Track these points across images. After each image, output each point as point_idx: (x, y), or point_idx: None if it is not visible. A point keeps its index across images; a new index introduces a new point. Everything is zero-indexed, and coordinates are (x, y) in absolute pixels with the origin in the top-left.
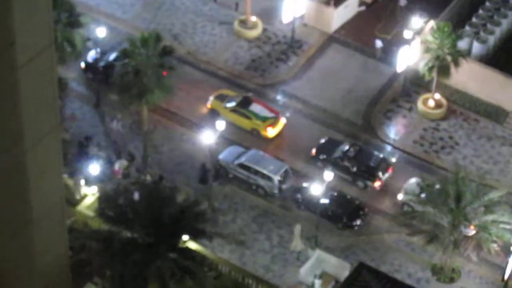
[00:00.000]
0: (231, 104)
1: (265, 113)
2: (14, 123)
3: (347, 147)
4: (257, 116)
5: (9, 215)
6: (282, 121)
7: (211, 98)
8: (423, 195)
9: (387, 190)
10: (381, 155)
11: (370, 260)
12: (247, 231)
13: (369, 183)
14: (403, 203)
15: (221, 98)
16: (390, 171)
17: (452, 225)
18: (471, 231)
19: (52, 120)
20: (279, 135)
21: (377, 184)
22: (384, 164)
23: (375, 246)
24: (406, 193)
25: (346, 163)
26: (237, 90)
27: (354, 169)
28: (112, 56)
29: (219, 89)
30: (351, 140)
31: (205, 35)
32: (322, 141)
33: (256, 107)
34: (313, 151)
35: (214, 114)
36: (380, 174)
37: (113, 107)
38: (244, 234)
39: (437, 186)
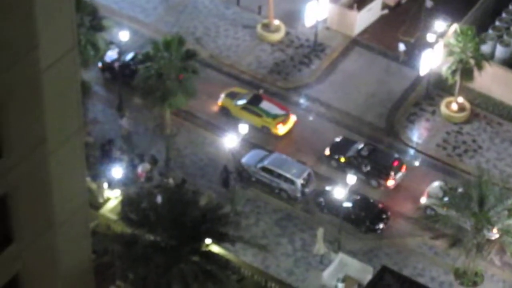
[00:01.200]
0: (242, 102)
1: (276, 110)
2: (37, 126)
3: (360, 146)
4: (267, 113)
5: (32, 218)
6: (293, 118)
7: (222, 95)
8: (446, 199)
9: (410, 193)
10: (395, 154)
11: (393, 263)
12: (269, 234)
13: (382, 181)
14: (426, 207)
15: (232, 96)
16: (403, 170)
17: (475, 229)
18: (494, 235)
19: (75, 123)
20: (292, 133)
21: (390, 183)
22: (397, 163)
23: (398, 250)
24: (429, 197)
25: (360, 162)
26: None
27: (368, 168)
28: (129, 56)
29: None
30: (366, 140)
31: (228, 39)
32: (336, 140)
33: (266, 105)
34: (327, 150)
35: (224, 111)
36: (393, 173)
37: (136, 110)
38: (267, 237)
39: (460, 190)
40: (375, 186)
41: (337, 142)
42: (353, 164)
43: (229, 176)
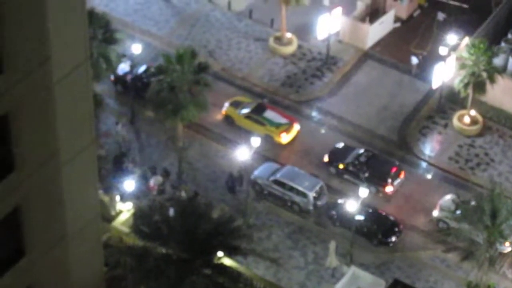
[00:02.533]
0: (246, 111)
1: (279, 119)
2: (49, 138)
3: (359, 153)
4: (271, 122)
5: (44, 230)
6: (296, 127)
7: (226, 104)
8: (458, 212)
9: (422, 206)
10: (394, 161)
11: (405, 277)
12: (282, 247)
13: (380, 188)
14: (438, 220)
15: (236, 105)
16: (402, 176)
17: (487, 242)
18: (507, 248)
19: (87, 135)
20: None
21: (388, 189)
22: (396, 170)
23: (410, 263)
24: (441, 210)
25: (358, 169)
26: (272, 107)
27: (366, 174)
28: (141, 69)
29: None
30: (364, 146)
31: (240, 52)
32: (335, 147)
33: (270, 114)
34: (326, 157)
35: (229, 120)
36: (391, 179)
37: (149, 123)
38: (279, 250)
39: (472, 203)
40: (374, 192)
41: (335, 149)
42: (351, 170)
43: (235, 182)
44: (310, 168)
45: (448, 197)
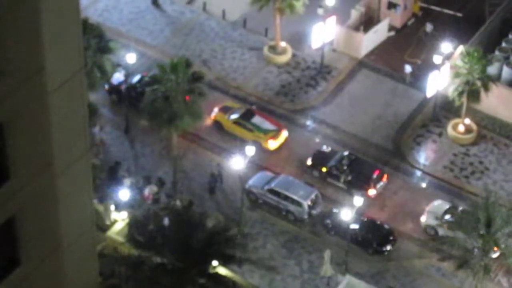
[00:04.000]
0: (234, 116)
1: (267, 125)
2: (44, 148)
3: (342, 156)
4: (258, 128)
5: (39, 239)
6: (284, 134)
7: (215, 110)
8: (446, 217)
9: (416, 215)
10: (376, 164)
11: (400, 285)
12: (277, 256)
13: (363, 191)
14: (426, 226)
15: (225, 110)
16: (384, 180)
17: (482, 251)
18: (496, 253)
19: (82, 145)
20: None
21: (371, 192)
22: (378, 173)
23: (405, 272)
24: (429, 216)
25: (341, 172)
26: (269, 115)
27: (349, 177)
28: (136, 79)
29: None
30: (347, 150)
31: (234, 61)
32: (318, 150)
33: (258, 120)
34: (309, 160)
35: (217, 125)
36: (373, 182)
37: (143, 133)
38: (274, 259)
39: (460, 209)
40: (356, 196)
41: (319, 152)
42: (334, 174)
43: (216, 182)
44: (305, 177)
45: (436, 203)
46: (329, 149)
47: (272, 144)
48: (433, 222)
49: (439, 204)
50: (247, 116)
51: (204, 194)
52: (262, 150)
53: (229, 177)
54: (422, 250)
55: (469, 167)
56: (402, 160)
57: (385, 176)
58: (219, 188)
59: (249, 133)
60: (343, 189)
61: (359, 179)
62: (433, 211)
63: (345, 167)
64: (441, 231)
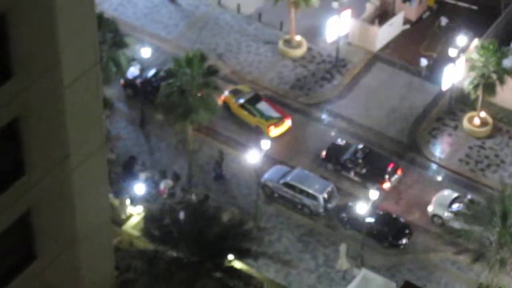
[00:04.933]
0: (241, 100)
1: (271, 112)
2: (60, 142)
3: (356, 149)
4: (262, 114)
5: (55, 233)
6: (287, 123)
7: (226, 92)
8: (454, 207)
9: (427, 206)
10: (391, 157)
11: (416, 279)
12: (292, 250)
13: (377, 184)
14: (433, 215)
15: (235, 93)
16: (399, 173)
17: (498, 244)
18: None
19: (97, 139)
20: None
21: (386, 185)
22: (393, 166)
23: (421, 265)
24: (436, 205)
25: (355, 165)
26: (282, 110)
27: (363, 170)
28: (151, 73)
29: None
30: (362, 143)
31: (249, 55)
32: (332, 143)
33: (263, 106)
34: (323, 153)
35: (226, 107)
36: (388, 175)
37: (159, 127)
38: (290, 253)
39: (469, 198)
40: (370, 189)
41: (333, 145)
42: (348, 167)
43: (222, 170)
44: (320, 171)
45: (443, 192)
46: (344, 142)
47: (273, 132)
48: (440, 212)
49: (447, 194)
50: (253, 100)
51: (219, 187)
52: (274, 141)
53: (245, 171)
54: (437, 243)
55: (485, 160)
56: (417, 153)
57: (400, 169)
58: (220, 175)
59: (253, 118)
60: (357, 182)
61: (374, 172)
62: (440, 201)
63: (359, 160)
64: (448, 220)
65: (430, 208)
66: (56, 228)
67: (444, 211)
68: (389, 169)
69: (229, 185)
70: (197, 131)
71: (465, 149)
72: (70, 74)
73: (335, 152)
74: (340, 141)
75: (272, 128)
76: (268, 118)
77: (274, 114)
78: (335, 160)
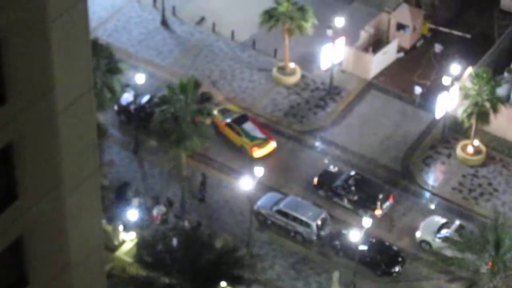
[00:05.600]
0: (228, 119)
1: (256, 133)
2: (53, 167)
3: (348, 176)
4: (247, 134)
5: (47, 260)
6: (272, 144)
7: (215, 111)
8: (441, 234)
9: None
10: (382, 184)
11: None
12: (285, 277)
13: (369, 211)
14: (422, 241)
15: (223, 112)
16: (390, 200)
17: (491, 272)
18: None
19: (91, 165)
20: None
21: (377, 212)
22: (384, 193)
23: None
24: (423, 231)
25: (347, 192)
26: (275, 137)
27: (355, 197)
28: (145, 99)
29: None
30: (354, 170)
31: (243, 82)
32: (324, 170)
33: (248, 126)
34: (315, 180)
35: (213, 126)
36: (380, 202)
37: (152, 153)
38: (283, 280)
39: (458, 224)
40: (362, 216)
41: (325, 172)
42: (340, 193)
43: (205, 193)
44: (313, 198)
45: (430, 218)
46: (336, 169)
47: (257, 152)
48: (428, 237)
49: (434, 220)
50: (239, 120)
51: (213, 214)
52: (267, 168)
53: (238, 198)
54: (430, 271)
55: (478, 188)
56: (411, 181)
57: (392, 196)
58: (203, 197)
59: (238, 138)
60: (349, 209)
61: (366, 199)
62: (428, 227)
63: (351, 187)
64: (437, 246)
65: (418, 234)
66: (49, 253)
67: (432, 237)
68: (381, 196)
69: (222, 211)
70: (191, 158)
71: (458, 177)
72: (64, 100)
73: (327, 178)
74: (332, 168)
75: (255, 149)
76: (252, 139)
77: (259, 135)
78: (327, 187)
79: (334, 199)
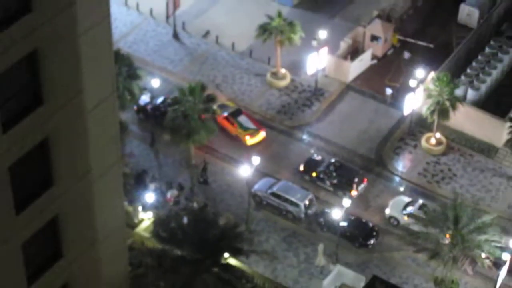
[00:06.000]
0: (225, 113)
1: (249, 124)
2: (84, 158)
3: (329, 163)
4: (240, 125)
5: (78, 236)
6: (262, 134)
7: (214, 106)
8: (406, 211)
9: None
10: (358, 170)
11: (382, 273)
12: (278, 249)
13: (347, 192)
14: (390, 217)
15: (221, 107)
16: (365, 182)
17: (451, 244)
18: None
19: (114, 156)
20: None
21: (353, 193)
22: (359, 177)
23: (386, 262)
24: (391, 209)
25: (328, 176)
26: (269, 131)
27: (335, 181)
28: (159, 100)
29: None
30: (334, 158)
31: (242, 85)
32: (309, 157)
33: (242, 118)
34: (301, 166)
35: (213, 119)
36: (355, 185)
37: (166, 146)
38: (276, 251)
39: (421, 203)
40: (341, 196)
41: (309, 159)
42: (322, 178)
43: (207, 176)
44: (301, 183)
45: (397, 198)
46: (320, 157)
47: (249, 141)
48: (395, 214)
49: (400, 199)
50: (235, 114)
51: (217, 197)
52: (262, 157)
53: (238, 183)
54: (400, 243)
55: (440, 173)
56: (383, 168)
57: (365, 179)
58: (205, 180)
59: (233, 128)
60: (330, 191)
61: (344, 182)
62: (395, 205)
63: (332, 172)
64: (402, 222)
65: (387, 211)
66: (79, 230)
67: (399, 214)
68: (357, 179)
69: (224, 194)
70: (198, 149)
71: (423, 164)
72: (91, 101)
73: (311, 165)
74: (316, 156)
75: (248, 137)
76: (245, 129)
77: (251, 126)
78: (311, 172)
79: (317, 182)
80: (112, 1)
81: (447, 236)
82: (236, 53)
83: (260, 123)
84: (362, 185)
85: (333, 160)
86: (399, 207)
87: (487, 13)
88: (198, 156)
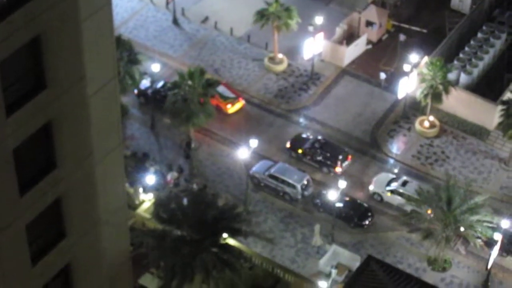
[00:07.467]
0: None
1: (228, 94)
2: (86, 141)
3: (314, 140)
4: (220, 95)
5: (81, 217)
6: (241, 102)
7: None
8: (389, 187)
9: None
10: (342, 147)
11: (377, 253)
12: (275, 229)
13: (331, 169)
14: (374, 193)
15: None
16: (349, 159)
17: (444, 224)
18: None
19: (116, 139)
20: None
21: (338, 170)
22: (343, 154)
23: (381, 242)
24: (375, 185)
25: (314, 153)
26: (267, 115)
27: (320, 157)
28: (159, 85)
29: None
30: (318, 135)
31: (240, 69)
32: (295, 135)
33: (221, 89)
34: (288, 143)
35: None
36: (340, 162)
37: (166, 128)
38: (273, 232)
39: (404, 179)
40: (326, 173)
41: (296, 137)
42: (308, 154)
43: (190, 151)
44: (297, 164)
45: (381, 175)
46: (306, 135)
47: (231, 109)
48: (379, 190)
49: (384, 175)
50: (214, 85)
51: (216, 178)
52: (261, 139)
53: (236, 165)
54: (394, 224)
55: (433, 155)
56: (378, 150)
57: (350, 156)
58: (188, 154)
59: (214, 99)
60: (315, 167)
61: (328, 158)
62: (379, 181)
63: (317, 150)
64: (386, 198)
65: (371, 187)
66: (82, 211)
67: (382, 190)
68: (341, 157)
69: (223, 176)
70: (198, 132)
71: (417, 146)
72: (93, 85)
73: (297, 142)
74: (305, 135)
75: (229, 106)
76: (225, 99)
77: (231, 95)
78: (297, 149)
79: (303, 159)
80: None
81: (429, 211)
82: (235, 38)
83: (240, 92)
84: (346, 162)
85: (319, 138)
86: (383, 183)
87: None
88: (197, 139)
